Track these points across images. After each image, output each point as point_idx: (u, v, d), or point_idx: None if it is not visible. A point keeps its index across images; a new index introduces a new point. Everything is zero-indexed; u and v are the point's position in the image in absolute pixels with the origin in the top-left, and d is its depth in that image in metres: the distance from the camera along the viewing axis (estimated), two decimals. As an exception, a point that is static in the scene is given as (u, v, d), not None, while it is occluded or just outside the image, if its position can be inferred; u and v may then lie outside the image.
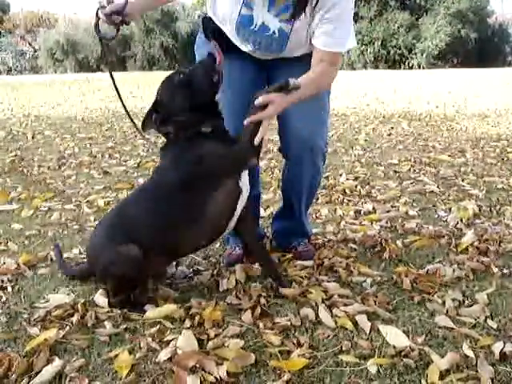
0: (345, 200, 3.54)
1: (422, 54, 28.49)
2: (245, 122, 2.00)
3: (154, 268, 2.11)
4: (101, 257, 2.05)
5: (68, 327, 1.91)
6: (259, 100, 1.97)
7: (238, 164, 2.09)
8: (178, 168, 2.05)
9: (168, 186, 2.05)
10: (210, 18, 2.33)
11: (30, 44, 40.15)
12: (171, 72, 2.15)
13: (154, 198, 2.08)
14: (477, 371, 1.62)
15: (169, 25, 32.07)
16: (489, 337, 1.80)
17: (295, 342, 1.79)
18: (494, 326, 1.88)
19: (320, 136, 2.36)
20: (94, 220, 3.20)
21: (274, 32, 2.16)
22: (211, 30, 2.30)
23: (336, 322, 1.92)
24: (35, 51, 37.60)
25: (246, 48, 2.28)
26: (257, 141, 2.02)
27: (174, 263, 2.38)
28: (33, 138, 6.52)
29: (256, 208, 2.61)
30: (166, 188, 2.05)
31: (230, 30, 2.24)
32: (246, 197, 2.14)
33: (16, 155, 5.32)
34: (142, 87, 15.76)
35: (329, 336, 1.84)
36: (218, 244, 2.66)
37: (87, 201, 3.63)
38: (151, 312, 2.00)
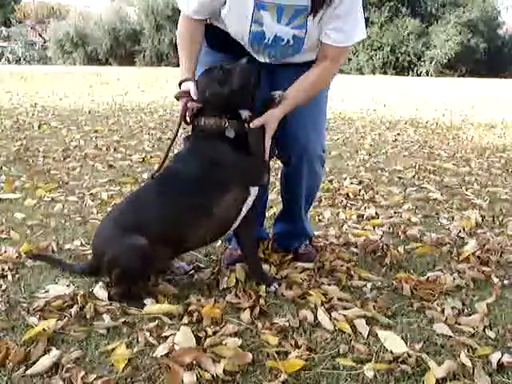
0: (348, 204, 3.54)
1: (430, 62, 28.40)
2: (251, 125, 2.05)
3: (158, 261, 2.11)
4: (108, 246, 2.06)
5: (66, 318, 1.92)
6: (255, 123, 2.04)
7: (251, 180, 2.13)
8: (192, 166, 2.09)
9: (179, 181, 2.08)
10: (213, 25, 2.29)
11: (40, 35, 40.14)
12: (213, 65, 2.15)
13: (164, 191, 2.11)
14: (473, 380, 1.63)
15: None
16: (487, 346, 1.80)
17: (293, 343, 1.80)
18: (493, 336, 1.88)
19: (318, 141, 2.36)
20: (97, 213, 3.20)
21: (288, 40, 2.16)
22: (217, 39, 2.29)
23: (334, 325, 1.92)
24: (45, 42, 37.59)
25: (261, 59, 2.27)
26: (266, 154, 2.10)
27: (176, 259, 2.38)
28: (39, 128, 6.52)
29: (262, 209, 2.60)
30: (178, 183, 2.08)
31: (243, 43, 2.22)
32: (253, 199, 2.15)
33: (21, 144, 5.32)
34: (150, 82, 15.75)
35: (327, 339, 1.84)
36: (220, 242, 2.65)
37: (91, 193, 3.63)
38: (150, 307, 2.00)
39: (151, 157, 4.92)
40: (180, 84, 2.17)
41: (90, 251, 2.53)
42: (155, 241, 2.01)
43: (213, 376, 1.60)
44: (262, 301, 2.07)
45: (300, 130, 2.28)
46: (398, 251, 2.65)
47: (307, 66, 2.22)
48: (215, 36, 2.29)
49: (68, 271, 2.32)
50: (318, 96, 2.31)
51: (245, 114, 2.07)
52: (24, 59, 35.11)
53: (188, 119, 2.14)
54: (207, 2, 2.13)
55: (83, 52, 33.76)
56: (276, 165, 4.37)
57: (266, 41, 2.16)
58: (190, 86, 2.10)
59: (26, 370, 1.63)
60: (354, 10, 2.12)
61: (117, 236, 2.05)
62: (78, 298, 2.04)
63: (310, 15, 2.06)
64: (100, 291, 2.11)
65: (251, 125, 2.04)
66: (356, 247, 2.72)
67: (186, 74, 2.18)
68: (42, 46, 37.83)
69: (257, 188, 2.15)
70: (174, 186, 2.09)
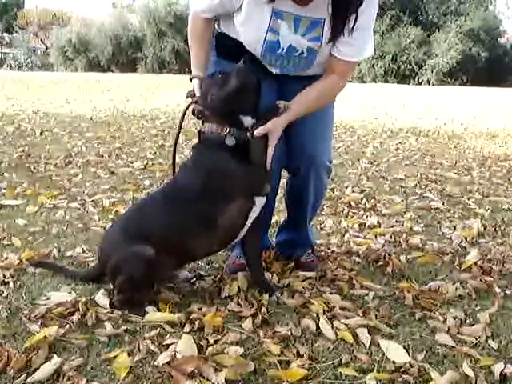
0: (350, 212, 3.53)
1: (432, 71, 28.48)
2: (255, 133, 2.03)
3: (164, 270, 2.12)
4: (114, 253, 2.06)
5: (68, 326, 1.91)
6: (259, 131, 2.02)
7: (252, 190, 2.11)
8: (195, 176, 2.08)
9: (184, 191, 2.08)
10: (224, 34, 2.30)
11: (42, 41, 40.31)
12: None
13: (170, 200, 2.10)
14: (476, 391, 1.61)
15: (181, 29, 32.15)
16: (489, 357, 1.79)
17: (295, 352, 1.79)
18: (495, 347, 1.87)
19: (325, 152, 2.36)
20: (99, 219, 3.20)
21: (302, 52, 2.15)
22: (226, 48, 2.29)
23: (336, 335, 1.91)
24: (47, 48, 37.75)
25: (272, 70, 2.27)
26: (268, 164, 2.08)
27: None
28: (41, 134, 6.54)
29: (268, 218, 2.59)
30: (182, 193, 2.08)
31: (255, 53, 2.21)
32: (260, 209, 2.14)
33: (23, 151, 5.33)
34: (152, 89, 15.79)
35: (329, 348, 1.83)
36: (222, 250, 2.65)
37: (92, 200, 3.63)
38: (151, 315, 2.00)
39: (153, 164, 4.93)
40: (191, 80, 2.18)
41: (92, 258, 2.54)
42: (161, 250, 2.00)
43: (214, 384, 1.59)
44: (263, 309, 2.06)
45: (308, 140, 2.28)
46: (399, 260, 2.65)
47: (315, 79, 2.22)
48: (224, 45, 2.29)
49: (70, 278, 2.31)
50: (326, 108, 2.32)
51: (248, 121, 2.05)
52: (26, 65, 35.25)
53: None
54: (217, 3, 2.13)
55: (85, 59, 33.91)
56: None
57: (279, 51, 2.15)
58: (194, 84, 2.12)
59: (27, 377, 1.62)
60: (368, 25, 2.13)
61: (123, 244, 2.05)
62: (80, 305, 2.03)
63: (327, 29, 2.06)
64: (102, 298, 2.10)
65: (255, 133, 2.02)
66: (358, 256, 2.71)
67: (194, 71, 2.19)
68: (44, 52, 37.97)
69: (263, 198, 2.14)
70: (179, 196, 2.08)
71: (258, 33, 2.12)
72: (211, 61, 2.32)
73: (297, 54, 2.16)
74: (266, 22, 2.08)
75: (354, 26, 2.03)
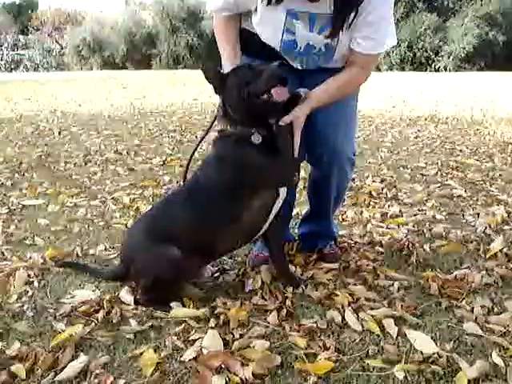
0: (371, 202, 3.51)
1: (448, 57, 28.13)
2: (280, 122, 2.01)
3: (189, 269, 2.11)
4: (139, 255, 2.05)
5: (93, 323, 1.92)
6: (285, 119, 2.01)
7: (282, 181, 2.10)
8: (220, 172, 2.05)
9: (207, 188, 2.06)
10: (247, 30, 2.26)
11: (56, 41, 40.53)
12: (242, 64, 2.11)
13: (193, 198, 2.08)
14: (506, 380, 1.59)
15: (194, 24, 32.12)
16: (519, 346, 1.77)
17: (321, 344, 1.78)
18: (525, 335, 1.84)
19: (348, 143, 2.33)
20: (120, 217, 3.21)
21: (320, 49, 2.14)
22: (249, 44, 2.26)
23: (362, 326, 1.90)
24: (62, 48, 37.96)
25: (294, 65, 2.25)
26: (296, 151, 2.06)
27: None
28: (59, 134, 6.58)
29: (289, 210, 2.58)
30: (205, 190, 2.06)
31: (276, 49, 2.19)
32: (282, 201, 2.13)
33: (43, 151, 5.37)
34: (168, 85, 15.81)
35: (355, 340, 1.82)
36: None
37: (112, 197, 3.65)
38: (176, 311, 2.00)
39: (172, 159, 4.93)
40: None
41: (114, 255, 2.55)
42: (186, 250, 1.99)
43: (242, 379, 1.59)
44: (288, 302, 2.06)
45: (331, 132, 2.26)
46: (423, 249, 2.62)
47: (337, 71, 2.20)
48: (247, 41, 2.26)
49: (94, 276, 2.32)
50: (348, 100, 2.30)
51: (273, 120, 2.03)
52: (42, 66, 35.49)
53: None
54: (232, 2, 2.13)
55: (100, 57, 34.04)
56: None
57: (297, 49, 2.14)
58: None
59: (54, 376, 1.63)
60: (386, 16, 2.09)
61: (148, 245, 2.04)
62: (104, 302, 2.04)
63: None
64: (126, 295, 2.11)
65: (280, 122, 2.00)
66: (381, 246, 2.69)
67: (226, 67, 2.17)
68: (59, 52, 38.18)
69: (285, 190, 2.12)
70: (201, 194, 2.06)
71: (274, 34, 2.12)
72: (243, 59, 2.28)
73: (315, 51, 2.15)
74: (282, 23, 2.07)
75: (351, 23, 2.02)
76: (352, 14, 1.99)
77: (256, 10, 2.09)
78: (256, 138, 1.99)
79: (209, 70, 2.03)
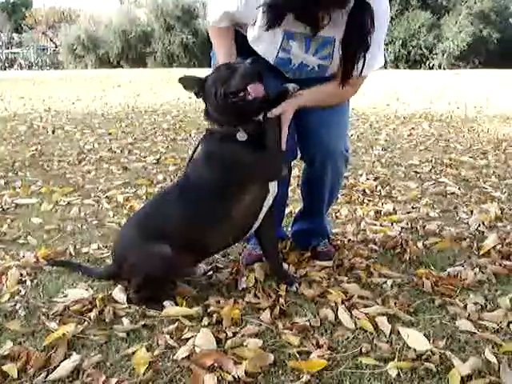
0: (365, 200, 3.51)
1: (442, 55, 28.21)
2: (269, 114, 2.02)
3: (181, 267, 2.11)
4: (131, 254, 2.05)
5: (86, 322, 1.92)
6: (273, 112, 2.02)
7: (270, 175, 2.11)
8: (208, 170, 2.05)
9: (198, 185, 2.06)
10: (241, 32, 2.26)
11: (51, 40, 40.42)
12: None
13: (184, 196, 2.08)
14: (499, 377, 1.59)
15: (189, 22, 32.08)
16: (512, 342, 1.77)
17: (314, 342, 1.78)
18: (517, 332, 1.84)
19: (342, 142, 2.34)
20: (113, 215, 3.20)
21: (313, 67, 2.19)
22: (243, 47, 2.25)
23: (356, 324, 1.90)
24: (56, 47, 37.85)
25: (286, 75, 2.27)
26: (284, 146, 2.08)
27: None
28: (53, 132, 6.55)
29: (281, 208, 2.57)
30: (196, 187, 2.06)
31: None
32: (273, 196, 2.13)
33: (36, 149, 5.35)
34: (162, 84, 15.78)
35: (348, 338, 1.82)
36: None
37: (106, 196, 3.63)
38: (169, 309, 1.99)
39: (166, 158, 4.92)
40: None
41: (108, 254, 2.54)
42: (178, 248, 1.99)
43: (234, 378, 1.58)
44: (281, 300, 2.06)
45: (324, 133, 2.27)
46: (417, 247, 2.63)
47: (329, 79, 2.23)
48: (243, 43, 2.25)
49: (87, 275, 2.31)
50: None
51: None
52: (36, 65, 35.37)
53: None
54: (232, 12, 2.12)
55: (94, 55, 33.96)
56: (292, 163, 4.35)
57: (291, 65, 2.19)
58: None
59: (47, 375, 1.62)
60: (380, 42, 2.15)
61: (140, 243, 2.04)
62: (97, 301, 2.04)
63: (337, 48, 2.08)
64: (119, 294, 2.10)
65: (269, 114, 2.01)
66: (375, 244, 2.69)
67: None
68: (54, 51, 38.08)
69: (276, 186, 2.12)
70: (192, 191, 2.07)
71: (269, 51, 2.16)
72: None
73: (308, 69, 2.21)
74: (278, 43, 2.11)
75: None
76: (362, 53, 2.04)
77: (254, 24, 2.10)
78: (241, 136, 1.99)
79: (186, 79, 2.07)
